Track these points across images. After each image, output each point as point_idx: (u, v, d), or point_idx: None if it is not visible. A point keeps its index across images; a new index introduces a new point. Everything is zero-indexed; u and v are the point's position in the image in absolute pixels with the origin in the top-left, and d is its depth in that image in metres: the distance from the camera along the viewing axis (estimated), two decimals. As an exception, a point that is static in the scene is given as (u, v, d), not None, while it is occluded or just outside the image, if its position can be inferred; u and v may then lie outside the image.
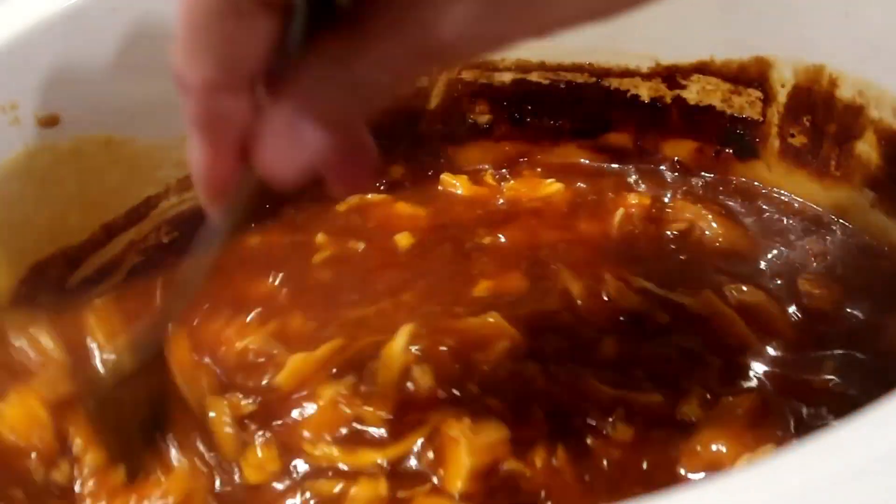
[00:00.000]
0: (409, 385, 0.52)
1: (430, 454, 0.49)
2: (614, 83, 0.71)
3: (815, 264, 0.60)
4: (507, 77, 0.73)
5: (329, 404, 0.52)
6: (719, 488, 0.29)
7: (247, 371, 0.55)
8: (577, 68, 0.71)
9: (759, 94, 0.66)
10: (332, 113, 0.38)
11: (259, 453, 0.50)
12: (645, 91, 0.70)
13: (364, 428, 0.51)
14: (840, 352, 0.54)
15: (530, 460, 0.48)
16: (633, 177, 0.70)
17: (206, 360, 0.56)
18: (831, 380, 0.52)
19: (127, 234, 0.66)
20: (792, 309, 0.57)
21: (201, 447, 0.51)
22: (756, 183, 0.68)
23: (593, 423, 0.50)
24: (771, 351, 0.54)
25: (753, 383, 0.52)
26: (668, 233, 0.64)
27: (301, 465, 0.50)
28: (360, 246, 0.64)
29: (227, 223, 0.45)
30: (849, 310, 0.57)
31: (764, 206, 0.66)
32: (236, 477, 0.50)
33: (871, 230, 0.62)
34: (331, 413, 0.51)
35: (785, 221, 0.64)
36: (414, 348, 0.53)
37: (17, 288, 0.60)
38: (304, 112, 0.38)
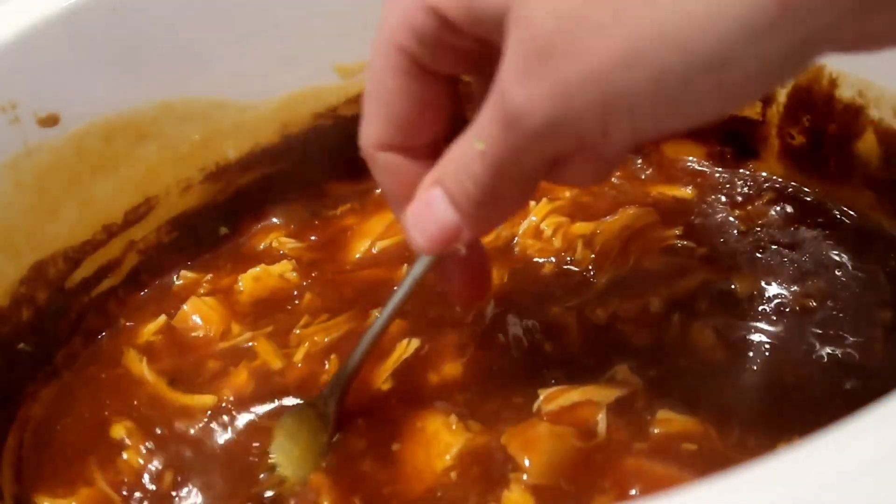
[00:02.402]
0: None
1: None
2: (614, 83, 0.71)
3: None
4: (507, 77, 0.73)
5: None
6: (720, 488, 0.29)
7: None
8: (577, 68, 0.71)
9: (759, 94, 0.66)
10: (457, 194, 0.41)
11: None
12: (645, 91, 0.70)
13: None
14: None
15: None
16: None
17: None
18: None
19: (127, 234, 0.66)
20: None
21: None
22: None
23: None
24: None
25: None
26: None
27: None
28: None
29: (416, 273, 0.50)
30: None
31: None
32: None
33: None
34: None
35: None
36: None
37: (17, 288, 0.60)
38: (437, 184, 0.42)
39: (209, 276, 0.68)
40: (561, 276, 0.61)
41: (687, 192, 0.68)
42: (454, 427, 0.51)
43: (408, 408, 0.54)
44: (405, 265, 0.65)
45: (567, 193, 0.68)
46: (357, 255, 0.68)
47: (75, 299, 0.64)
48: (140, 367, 0.61)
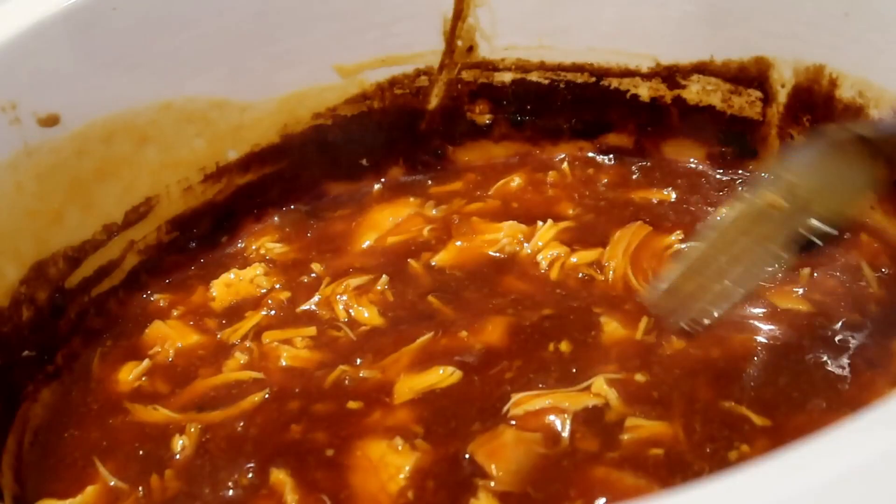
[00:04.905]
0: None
1: None
2: (614, 83, 0.71)
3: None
4: (507, 77, 0.73)
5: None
6: (721, 488, 0.29)
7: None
8: (577, 68, 0.71)
9: (759, 94, 0.66)
10: None
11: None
12: (645, 91, 0.70)
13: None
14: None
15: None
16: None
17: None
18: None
19: (127, 234, 0.66)
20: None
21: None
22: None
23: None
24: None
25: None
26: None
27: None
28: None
29: None
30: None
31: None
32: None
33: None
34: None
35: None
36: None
37: (17, 287, 0.60)
38: None
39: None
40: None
41: (668, 194, 0.68)
42: (400, 448, 0.51)
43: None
44: (410, 260, 0.65)
45: (571, 211, 0.68)
46: (364, 245, 0.68)
47: (75, 299, 0.64)
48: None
